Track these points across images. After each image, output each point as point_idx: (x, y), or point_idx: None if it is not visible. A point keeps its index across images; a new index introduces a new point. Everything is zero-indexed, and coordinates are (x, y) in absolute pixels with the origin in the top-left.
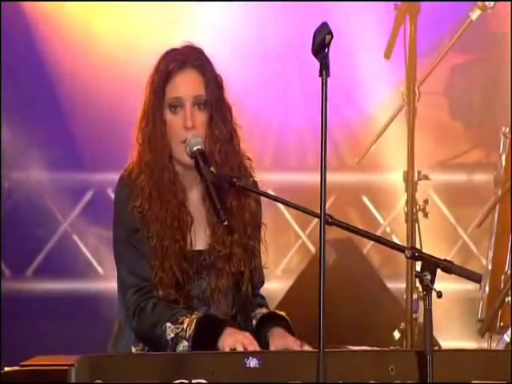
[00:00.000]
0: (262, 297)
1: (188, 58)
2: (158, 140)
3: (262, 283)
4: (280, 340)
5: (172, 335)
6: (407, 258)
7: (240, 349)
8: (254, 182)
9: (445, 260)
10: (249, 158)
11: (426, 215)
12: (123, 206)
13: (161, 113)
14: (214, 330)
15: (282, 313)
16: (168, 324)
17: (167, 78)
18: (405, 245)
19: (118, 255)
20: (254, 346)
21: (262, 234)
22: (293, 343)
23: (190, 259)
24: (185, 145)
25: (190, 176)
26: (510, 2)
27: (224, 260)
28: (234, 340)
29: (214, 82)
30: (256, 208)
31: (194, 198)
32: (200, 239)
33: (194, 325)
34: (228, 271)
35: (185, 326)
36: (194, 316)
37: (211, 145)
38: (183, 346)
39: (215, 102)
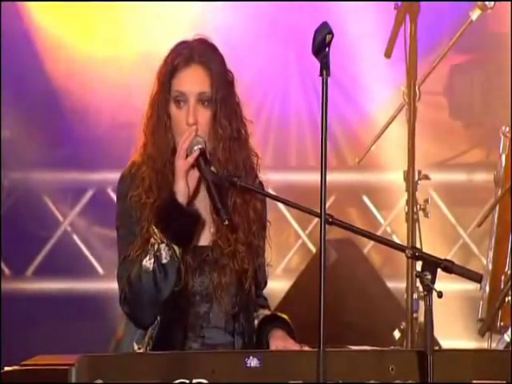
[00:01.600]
0: (265, 298)
1: (195, 53)
2: (161, 133)
3: (266, 283)
4: (280, 342)
5: (152, 260)
6: (408, 257)
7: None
8: (260, 184)
9: (445, 260)
10: (257, 155)
11: (426, 215)
12: (123, 199)
13: (166, 106)
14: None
15: (285, 316)
16: (143, 261)
17: (173, 72)
18: (405, 244)
19: (118, 249)
20: None
21: (267, 233)
22: (292, 346)
23: (192, 253)
24: None
25: (197, 172)
26: (509, 2)
27: (228, 257)
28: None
29: (220, 79)
30: (261, 208)
31: (202, 194)
32: (204, 236)
33: (158, 233)
34: (231, 268)
35: (154, 246)
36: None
37: (214, 142)
38: (164, 251)
39: (220, 100)
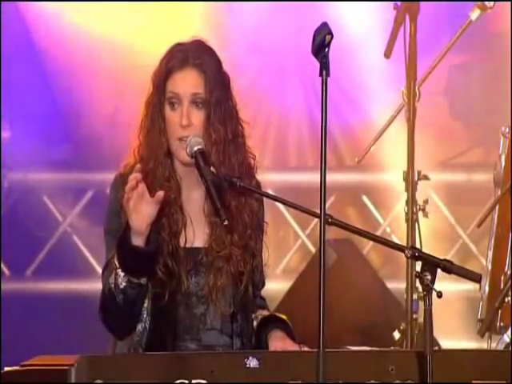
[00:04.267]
0: (263, 298)
1: (189, 56)
2: (155, 135)
3: (263, 284)
4: (279, 342)
5: (114, 281)
6: (407, 257)
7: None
8: (258, 183)
9: (445, 260)
10: (254, 157)
11: (425, 215)
12: (111, 201)
13: (160, 108)
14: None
15: (284, 316)
16: (109, 278)
17: (168, 74)
18: (405, 245)
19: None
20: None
21: (264, 233)
22: (291, 347)
23: (186, 254)
24: (181, 142)
25: (194, 174)
26: (509, 2)
27: (223, 260)
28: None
29: (215, 82)
30: (258, 208)
31: (197, 196)
32: (199, 237)
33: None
34: (227, 270)
35: (115, 268)
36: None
37: (208, 145)
38: (120, 277)
39: (214, 102)
